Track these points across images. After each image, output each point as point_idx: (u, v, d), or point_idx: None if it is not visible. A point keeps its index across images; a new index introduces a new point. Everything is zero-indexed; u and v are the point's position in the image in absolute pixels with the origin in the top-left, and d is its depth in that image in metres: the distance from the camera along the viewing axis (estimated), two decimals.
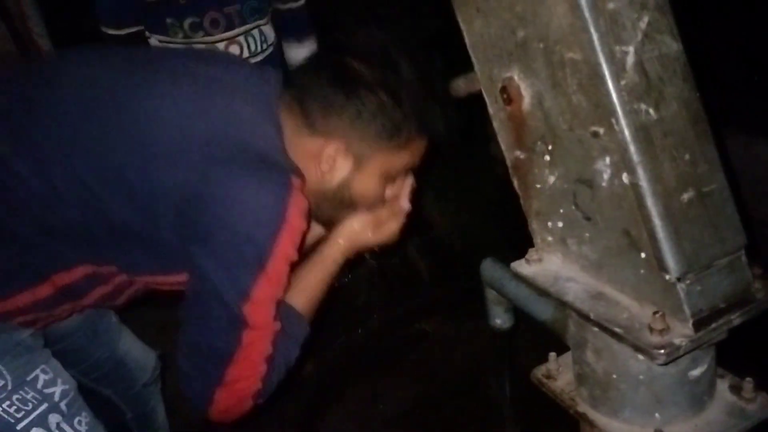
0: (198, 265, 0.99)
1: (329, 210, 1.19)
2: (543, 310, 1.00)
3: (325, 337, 2.38)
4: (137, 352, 1.54)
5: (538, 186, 0.90)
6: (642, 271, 0.79)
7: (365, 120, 1.08)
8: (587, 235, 0.86)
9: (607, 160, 0.78)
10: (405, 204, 1.24)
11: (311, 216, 1.12)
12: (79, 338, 1.42)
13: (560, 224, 0.90)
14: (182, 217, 0.99)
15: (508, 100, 0.88)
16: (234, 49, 2.02)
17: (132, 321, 1.57)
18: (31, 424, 1.07)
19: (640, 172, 0.75)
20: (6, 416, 1.05)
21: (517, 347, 1.30)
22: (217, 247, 0.98)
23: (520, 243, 0.97)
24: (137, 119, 1.03)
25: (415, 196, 1.26)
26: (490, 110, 0.93)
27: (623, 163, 0.76)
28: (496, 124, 0.94)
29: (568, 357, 0.97)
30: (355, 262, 1.27)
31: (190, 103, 1.05)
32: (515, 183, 0.95)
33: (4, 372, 1.07)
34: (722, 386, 0.90)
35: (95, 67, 1.12)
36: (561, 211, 0.89)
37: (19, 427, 1.06)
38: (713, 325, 0.77)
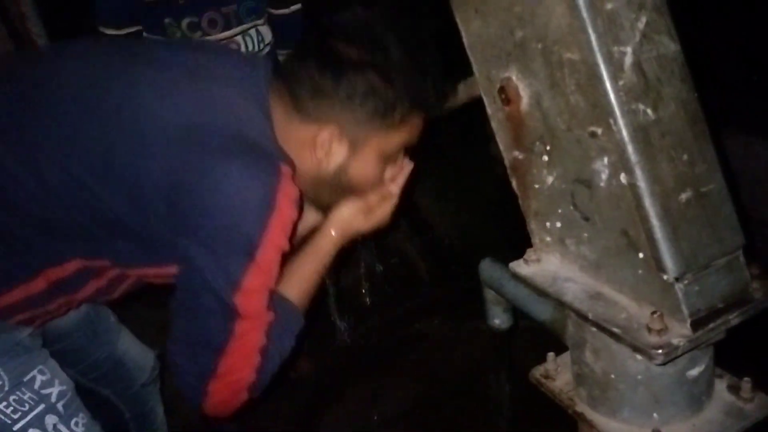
0: (187, 256, 0.98)
1: (329, 196, 1.18)
2: (542, 310, 1.00)
3: (324, 337, 2.39)
4: (136, 352, 1.54)
5: (537, 186, 0.91)
6: (640, 271, 0.80)
7: (356, 102, 1.06)
8: (586, 235, 0.86)
9: (605, 160, 0.78)
10: (393, 188, 1.21)
11: (303, 205, 1.11)
12: (78, 338, 1.41)
13: (558, 224, 0.90)
14: (171, 207, 0.98)
15: (507, 101, 0.88)
16: None
17: (131, 321, 1.57)
18: (28, 425, 1.07)
19: (638, 173, 0.75)
20: (3, 417, 1.05)
21: (516, 347, 1.29)
22: (206, 237, 0.97)
23: (520, 243, 0.97)
24: (124, 109, 1.02)
25: (410, 180, 1.24)
26: (489, 110, 0.93)
27: (621, 163, 0.76)
28: (494, 125, 0.94)
29: (566, 357, 0.97)
30: (350, 247, 1.26)
31: (178, 92, 1.04)
32: (514, 183, 0.95)
33: (2, 372, 1.07)
34: (720, 386, 0.90)
35: (82, 59, 1.11)
36: (559, 211, 0.89)
37: (15, 428, 1.05)
38: (711, 325, 0.77)
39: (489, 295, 1.15)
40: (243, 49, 2.05)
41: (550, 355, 0.99)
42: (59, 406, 1.12)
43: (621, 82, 0.74)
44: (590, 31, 0.73)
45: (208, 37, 1.98)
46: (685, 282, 0.77)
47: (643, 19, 0.77)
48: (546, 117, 0.84)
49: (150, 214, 1.00)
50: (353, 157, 1.12)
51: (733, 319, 0.78)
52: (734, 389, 0.88)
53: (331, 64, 1.06)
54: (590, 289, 0.87)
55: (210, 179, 0.96)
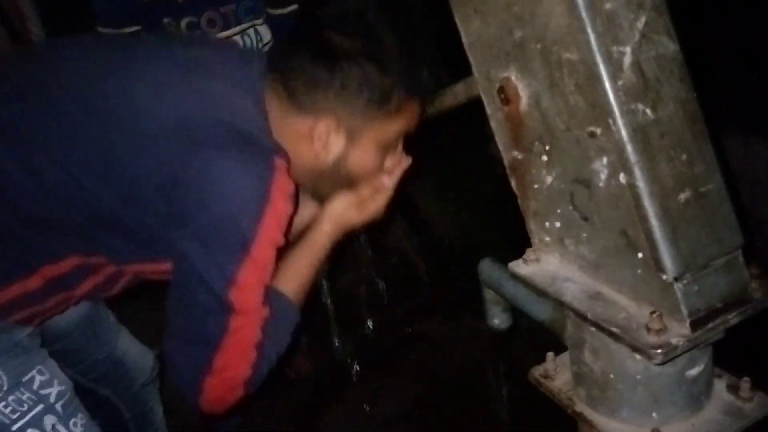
0: (181, 251, 0.98)
1: (329, 189, 1.17)
2: (541, 310, 1.00)
3: (324, 338, 2.39)
4: (136, 352, 1.54)
5: (536, 186, 0.91)
6: (639, 271, 0.80)
7: (352, 92, 1.06)
8: (585, 235, 0.86)
9: (605, 160, 0.78)
10: (386, 180, 1.20)
11: (299, 199, 1.10)
12: (78, 338, 1.42)
13: (558, 224, 0.90)
14: (164, 202, 0.98)
15: (506, 101, 0.88)
16: None
17: (130, 321, 1.57)
18: (27, 425, 1.07)
19: (637, 173, 0.75)
20: (1, 417, 1.05)
21: (516, 347, 1.29)
22: (199, 231, 0.97)
23: (520, 243, 0.97)
24: (117, 104, 1.02)
25: (406, 175, 1.23)
26: (488, 110, 0.93)
27: (620, 163, 0.76)
28: (493, 125, 0.94)
29: (565, 357, 0.97)
30: (345, 241, 1.25)
31: (171, 86, 1.04)
32: (513, 183, 0.95)
33: (0, 372, 1.07)
34: (719, 386, 0.90)
35: (75, 55, 1.11)
36: (558, 211, 0.89)
37: (14, 428, 1.06)
38: (710, 325, 0.77)
39: (488, 295, 1.15)
40: None
41: (550, 354, 0.99)
42: (58, 406, 1.12)
43: (620, 82, 0.74)
44: (589, 31, 0.73)
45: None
46: (684, 282, 0.77)
47: (642, 19, 0.77)
48: (545, 117, 0.84)
49: (145, 210, 1.00)
50: (352, 147, 1.11)
51: (732, 318, 0.79)
52: (733, 389, 0.88)
53: (325, 55, 1.06)
54: (589, 288, 0.87)
55: (204, 173, 0.96)
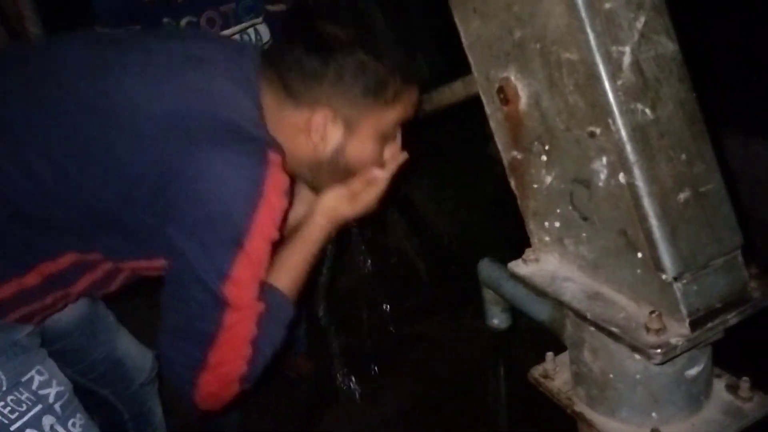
0: (175, 246, 0.97)
1: (328, 181, 1.16)
2: (540, 310, 1.00)
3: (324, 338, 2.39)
4: (135, 352, 1.54)
5: (535, 186, 0.90)
6: (639, 270, 0.80)
7: (347, 82, 1.05)
8: (584, 235, 0.86)
9: (604, 160, 0.78)
10: (379, 172, 1.19)
11: (294, 193, 1.10)
12: (77, 338, 1.41)
13: (557, 224, 0.90)
14: (158, 197, 0.98)
15: (505, 101, 0.88)
16: None
17: (130, 321, 1.57)
18: (25, 426, 1.07)
19: (637, 172, 0.75)
20: (0, 417, 1.05)
21: (515, 347, 1.29)
22: (193, 226, 0.96)
23: (519, 243, 0.97)
24: (117, 103, 1.01)
25: (402, 169, 1.23)
26: (487, 110, 0.93)
27: (620, 163, 0.76)
28: (493, 125, 0.94)
29: (565, 356, 0.97)
30: (340, 235, 1.24)
31: (167, 81, 1.04)
32: (512, 183, 0.95)
33: None
34: (719, 386, 0.90)
35: (73, 52, 1.11)
36: (558, 211, 0.89)
37: (12, 428, 1.05)
38: (709, 325, 0.77)
39: (488, 294, 1.15)
40: None
41: (549, 354, 0.99)
42: (57, 406, 1.12)
43: (619, 82, 0.74)
44: (589, 30, 0.73)
45: None
46: (684, 282, 0.77)
47: (642, 19, 0.77)
48: (545, 117, 0.84)
49: (145, 210, 1.00)
50: (349, 138, 1.11)
51: (732, 318, 0.78)
52: (733, 389, 0.88)
53: (318, 46, 1.05)
54: (589, 288, 0.87)
55: (197, 168, 0.95)
